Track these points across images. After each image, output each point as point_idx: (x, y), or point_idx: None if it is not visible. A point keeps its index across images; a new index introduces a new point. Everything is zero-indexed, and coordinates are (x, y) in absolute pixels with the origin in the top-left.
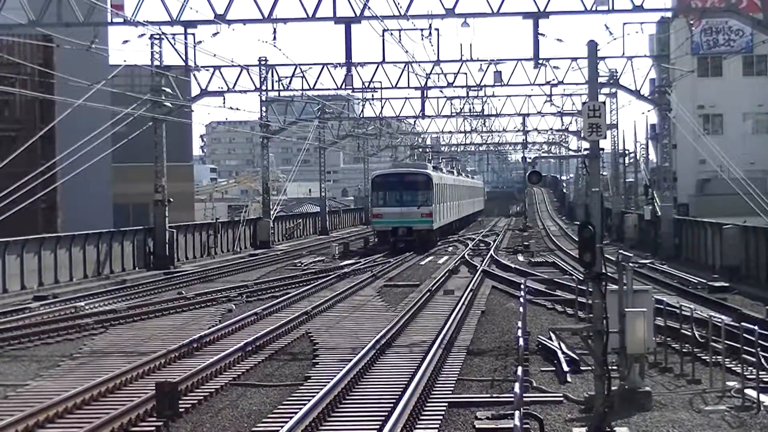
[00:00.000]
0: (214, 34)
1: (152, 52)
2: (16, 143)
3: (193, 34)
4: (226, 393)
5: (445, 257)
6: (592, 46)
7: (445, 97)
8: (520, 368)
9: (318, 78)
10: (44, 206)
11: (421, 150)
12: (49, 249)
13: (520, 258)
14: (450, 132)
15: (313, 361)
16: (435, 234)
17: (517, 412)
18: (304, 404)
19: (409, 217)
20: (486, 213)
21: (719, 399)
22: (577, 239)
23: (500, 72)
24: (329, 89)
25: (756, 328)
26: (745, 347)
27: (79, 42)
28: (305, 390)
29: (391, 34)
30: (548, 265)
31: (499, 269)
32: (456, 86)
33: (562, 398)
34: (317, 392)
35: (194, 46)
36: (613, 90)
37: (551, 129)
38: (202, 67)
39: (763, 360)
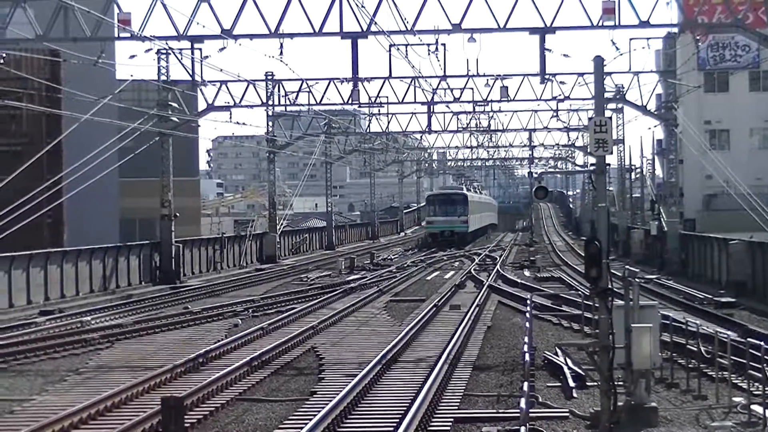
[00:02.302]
0: (221, 49)
1: (159, 67)
2: (23, 157)
3: (200, 49)
4: (232, 408)
5: (452, 272)
6: (599, 61)
7: (452, 112)
8: (526, 383)
9: (324, 93)
10: (50, 221)
11: (427, 165)
12: (56, 263)
13: (527, 273)
14: (456, 147)
15: (319, 376)
16: (469, 235)
17: (522, 428)
18: (310, 419)
19: (451, 223)
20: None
21: (725, 415)
22: (583, 254)
23: (507, 87)
24: (336, 104)
25: (762, 343)
26: (751, 363)
27: (86, 57)
28: (311, 405)
29: (398, 49)
30: (554, 280)
31: (505, 284)
32: (462, 101)
33: (568, 414)
34: (323, 407)
35: (201, 61)
36: (620, 105)
37: (557, 144)
38: (208, 81)
39: None
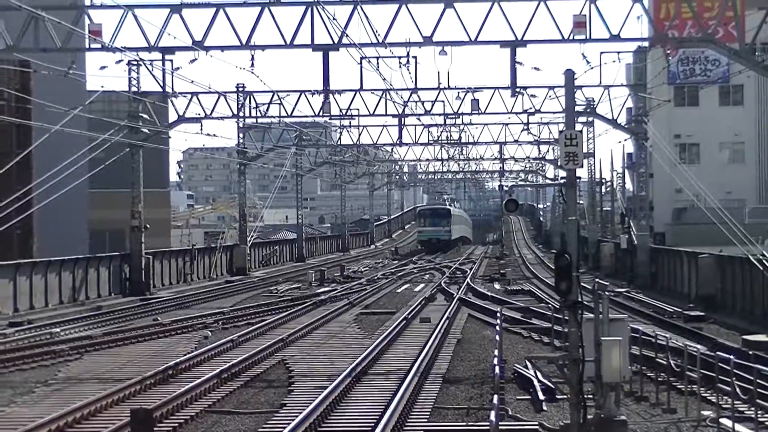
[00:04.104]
0: (192, 61)
1: (130, 78)
2: None
3: (171, 61)
4: (201, 420)
5: (422, 285)
6: (569, 75)
7: (423, 124)
8: (495, 396)
9: (296, 105)
10: (20, 232)
11: (398, 177)
12: (25, 275)
13: (497, 286)
14: (427, 160)
15: (289, 388)
16: (452, 242)
17: None
18: None
19: (438, 232)
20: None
21: (694, 428)
22: (553, 267)
23: (478, 100)
24: (307, 116)
25: (731, 357)
26: (720, 376)
27: (56, 68)
28: (281, 417)
29: (369, 61)
30: (524, 293)
31: (475, 297)
32: (433, 114)
33: (537, 427)
34: (293, 419)
35: (172, 73)
36: (590, 119)
37: (528, 157)
38: (179, 93)
39: (738, 389)
